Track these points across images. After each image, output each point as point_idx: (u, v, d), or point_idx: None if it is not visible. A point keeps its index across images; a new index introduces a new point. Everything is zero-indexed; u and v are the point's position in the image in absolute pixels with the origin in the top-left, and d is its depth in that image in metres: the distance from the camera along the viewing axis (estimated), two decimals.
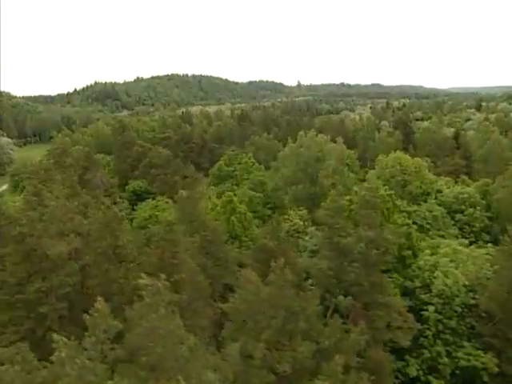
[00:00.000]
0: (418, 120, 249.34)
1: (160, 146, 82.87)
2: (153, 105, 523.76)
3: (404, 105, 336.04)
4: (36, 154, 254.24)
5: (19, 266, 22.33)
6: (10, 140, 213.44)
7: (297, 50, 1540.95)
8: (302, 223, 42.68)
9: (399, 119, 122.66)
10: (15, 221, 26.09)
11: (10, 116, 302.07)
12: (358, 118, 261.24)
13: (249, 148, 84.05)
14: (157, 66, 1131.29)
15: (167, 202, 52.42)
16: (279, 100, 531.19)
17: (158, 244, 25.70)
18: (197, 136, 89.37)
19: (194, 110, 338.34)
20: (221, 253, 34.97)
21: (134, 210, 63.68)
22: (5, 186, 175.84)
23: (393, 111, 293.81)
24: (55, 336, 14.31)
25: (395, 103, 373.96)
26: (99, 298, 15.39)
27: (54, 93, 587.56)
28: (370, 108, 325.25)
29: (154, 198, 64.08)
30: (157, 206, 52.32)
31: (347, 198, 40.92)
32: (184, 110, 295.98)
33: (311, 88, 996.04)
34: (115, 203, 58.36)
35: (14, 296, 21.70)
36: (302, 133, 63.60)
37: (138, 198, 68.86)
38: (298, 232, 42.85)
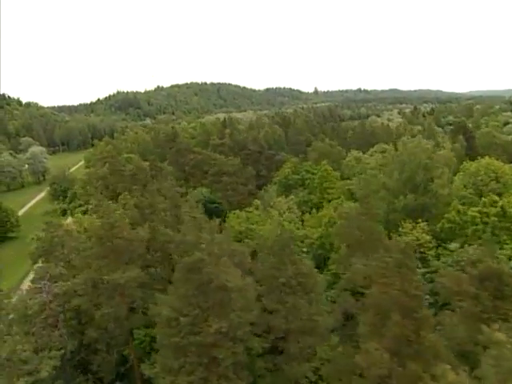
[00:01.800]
0: (450, 124, 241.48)
1: (216, 153, 79.84)
2: (173, 113, 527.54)
3: (433, 109, 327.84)
4: (67, 162, 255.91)
5: (192, 300, 18.47)
6: (43, 149, 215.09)
7: (313, 56, 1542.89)
8: (427, 237, 37.96)
9: (458, 124, 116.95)
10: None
11: (40, 125, 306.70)
12: (387, 122, 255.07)
13: (311, 154, 79.98)
14: (176, 75, 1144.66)
15: (259, 215, 48.58)
16: (300, 106, 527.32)
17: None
18: (252, 143, 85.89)
19: (219, 116, 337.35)
20: None
21: None
22: (42, 194, 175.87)
23: (423, 116, 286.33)
24: None
25: (421, 108, 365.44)
26: None
27: (76, 103, 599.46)
28: (399, 113, 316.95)
29: (221, 208, 60.43)
30: (249, 219, 48.35)
31: (475, 209, 36.22)
32: (226, 116, 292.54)
33: (328, 94, 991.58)
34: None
35: (187, 338, 17.73)
36: (404, 139, 59.49)
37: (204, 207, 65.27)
38: (422, 247, 38.15)
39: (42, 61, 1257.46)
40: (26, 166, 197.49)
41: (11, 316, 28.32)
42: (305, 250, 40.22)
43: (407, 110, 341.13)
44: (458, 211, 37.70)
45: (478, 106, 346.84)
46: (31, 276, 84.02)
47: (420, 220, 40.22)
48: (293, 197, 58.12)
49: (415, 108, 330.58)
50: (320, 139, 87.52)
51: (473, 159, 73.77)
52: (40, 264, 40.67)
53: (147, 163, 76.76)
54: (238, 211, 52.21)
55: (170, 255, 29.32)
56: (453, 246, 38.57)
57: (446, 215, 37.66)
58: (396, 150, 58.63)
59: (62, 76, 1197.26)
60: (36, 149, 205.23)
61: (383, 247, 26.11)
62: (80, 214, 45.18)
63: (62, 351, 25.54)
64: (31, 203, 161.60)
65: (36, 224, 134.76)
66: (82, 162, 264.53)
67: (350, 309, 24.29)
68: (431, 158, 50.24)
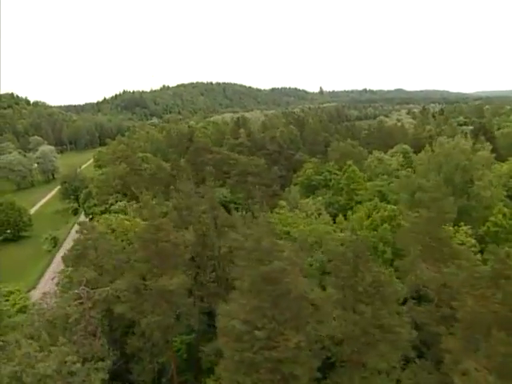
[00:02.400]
0: (461, 125, 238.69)
1: (234, 153, 78.64)
2: (180, 112, 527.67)
3: (442, 110, 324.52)
4: (75, 161, 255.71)
5: (267, 312, 17.05)
6: (52, 148, 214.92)
7: (318, 56, 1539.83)
8: (472, 241, 36.38)
9: (479, 125, 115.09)
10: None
11: (48, 125, 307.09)
12: (398, 123, 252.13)
13: (332, 155, 78.40)
14: (182, 75, 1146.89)
15: (291, 216, 47.05)
16: (307, 106, 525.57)
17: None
18: (269, 142, 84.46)
19: (227, 116, 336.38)
20: None
21: None
22: (53, 193, 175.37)
23: (433, 116, 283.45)
24: None
25: (429, 108, 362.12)
26: None
27: (82, 102, 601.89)
28: (408, 113, 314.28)
29: (236, 208, 59.00)
30: (281, 220, 46.58)
31: None
32: (240, 116, 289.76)
33: (333, 94, 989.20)
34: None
35: (261, 353, 16.31)
36: (441, 139, 58.10)
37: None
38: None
39: (48, 60, 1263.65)
40: (35, 165, 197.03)
41: (39, 322, 27.07)
42: None
43: (416, 111, 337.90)
44: (504, 214, 36.12)
45: (487, 107, 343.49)
46: (47, 276, 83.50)
47: (462, 223, 38.59)
48: (320, 198, 56.57)
49: (424, 108, 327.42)
50: (339, 139, 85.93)
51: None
52: (68, 267, 39.39)
53: (165, 163, 75.65)
54: (268, 213, 50.89)
55: (230, 261, 27.63)
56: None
57: (490, 218, 36.10)
58: (432, 151, 57.02)
59: (68, 75, 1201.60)
60: (46, 148, 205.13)
61: (451, 254, 24.59)
62: (107, 215, 43.99)
63: (108, 362, 24.30)
64: (42, 202, 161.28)
65: (48, 223, 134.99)
66: (90, 161, 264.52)
67: (418, 319, 22.85)
68: (470, 159, 48.64)
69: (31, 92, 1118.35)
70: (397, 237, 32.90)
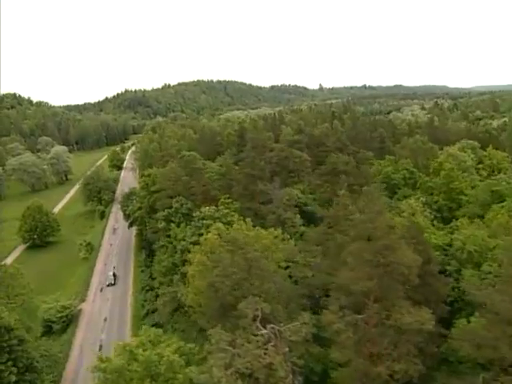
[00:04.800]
0: (479, 119, 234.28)
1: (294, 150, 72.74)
2: (183, 111, 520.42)
3: (456, 104, 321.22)
4: (85, 161, 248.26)
5: None
6: (65, 148, 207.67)
7: (316, 53, 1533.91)
8: None
9: None
10: None
11: (54, 125, 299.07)
12: (412, 118, 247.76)
13: (401, 152, 72.67)
14: (182, 73, 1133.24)
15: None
16: (312, 103, 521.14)
17: None
18: (327, 138, 78.64)
19: (236, 114, 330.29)
20: None
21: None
22: (70, 195, 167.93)
23: (449, 111, 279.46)
24: None
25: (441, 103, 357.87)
26: None
27: (81, 102, 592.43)
28: (422, 109, 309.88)
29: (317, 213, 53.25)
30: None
31: None
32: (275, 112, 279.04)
33: (333, 91, 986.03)
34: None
35: None
36: None
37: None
38: None
39: (47, 60, 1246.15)
40: (45, 166, 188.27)
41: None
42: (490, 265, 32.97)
43: (427, 106, 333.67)
44: None
45: (497, 101, 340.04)
46: (93, 287, 77.27)
47: None
48: (422, 198, 50.83)
49: (436, 103, 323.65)
50: (410, 136, 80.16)
51: None
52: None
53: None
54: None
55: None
56: None
57: None
58: None
59: (67, 75, 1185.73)
60: (59, 148, 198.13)
61: None
62: (221, 225, 37.91)
63: None
64: (60, 205, 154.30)
65: (71, 227, 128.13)
66: (100, 161, 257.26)
67: None
68: None
69: (31, 92, 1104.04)
70: None
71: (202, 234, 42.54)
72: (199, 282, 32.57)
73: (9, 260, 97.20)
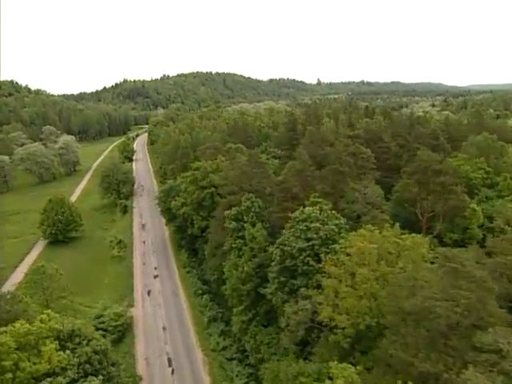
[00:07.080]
0: (497, 117, 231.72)
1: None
2: (183, 102, 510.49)
3: (465, 102, 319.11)
4: (89, 151, 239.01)
5: None
6: (74, 138, 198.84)
7: (314, 47, 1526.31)
8: None
9: None
10: None
11: (54, 114, 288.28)
12: (424, 115, 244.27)
13: (467, 150, 67.69)
14: (180, 64, 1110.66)
15: None
16: (316, 98, 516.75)
17: None
18: (385, 134, 73.70)
19: (244, 107, 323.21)
20: None
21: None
22: (82, 186, 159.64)
23: (461, 108, 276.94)
24: None
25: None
26: None
27: (77, 91, 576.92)
28: (433, 106, 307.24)
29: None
30: None
31: None
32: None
33: (331, 86, 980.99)
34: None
35: None
36: None
37: None
38: None
39: (44, 48, 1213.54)
40: (53, 156, 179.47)
41: None
42: None
43: (436, 103, 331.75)
44: None
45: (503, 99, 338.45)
46: (139, 289, 71.23)
47: None
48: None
49: (445, 101, 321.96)
50: (477, 133, 75.54)
51: None
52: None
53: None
54: None
55: None
56: None
57: None
58: None
59: (64, 64, 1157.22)
60: (68, 138, 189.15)
61: None
62: (364, 231, 32.35)
63: None
64: (74, 197, 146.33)
65: (91, 221, 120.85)
66: (107, 152, 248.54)
67: None
68: None
69: (27, 80, 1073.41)
70: None
71: (310, 239, 37.15)
72: (352, 300, 27.33)
73: (31, 258, 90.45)
